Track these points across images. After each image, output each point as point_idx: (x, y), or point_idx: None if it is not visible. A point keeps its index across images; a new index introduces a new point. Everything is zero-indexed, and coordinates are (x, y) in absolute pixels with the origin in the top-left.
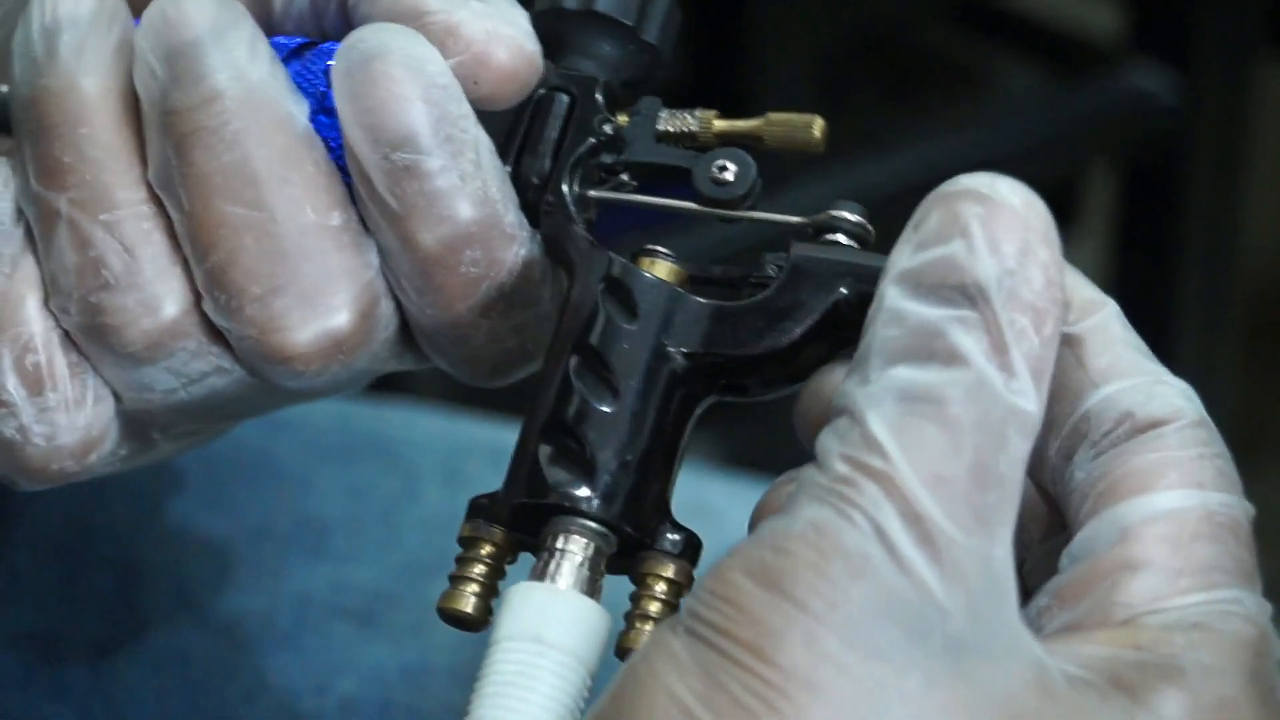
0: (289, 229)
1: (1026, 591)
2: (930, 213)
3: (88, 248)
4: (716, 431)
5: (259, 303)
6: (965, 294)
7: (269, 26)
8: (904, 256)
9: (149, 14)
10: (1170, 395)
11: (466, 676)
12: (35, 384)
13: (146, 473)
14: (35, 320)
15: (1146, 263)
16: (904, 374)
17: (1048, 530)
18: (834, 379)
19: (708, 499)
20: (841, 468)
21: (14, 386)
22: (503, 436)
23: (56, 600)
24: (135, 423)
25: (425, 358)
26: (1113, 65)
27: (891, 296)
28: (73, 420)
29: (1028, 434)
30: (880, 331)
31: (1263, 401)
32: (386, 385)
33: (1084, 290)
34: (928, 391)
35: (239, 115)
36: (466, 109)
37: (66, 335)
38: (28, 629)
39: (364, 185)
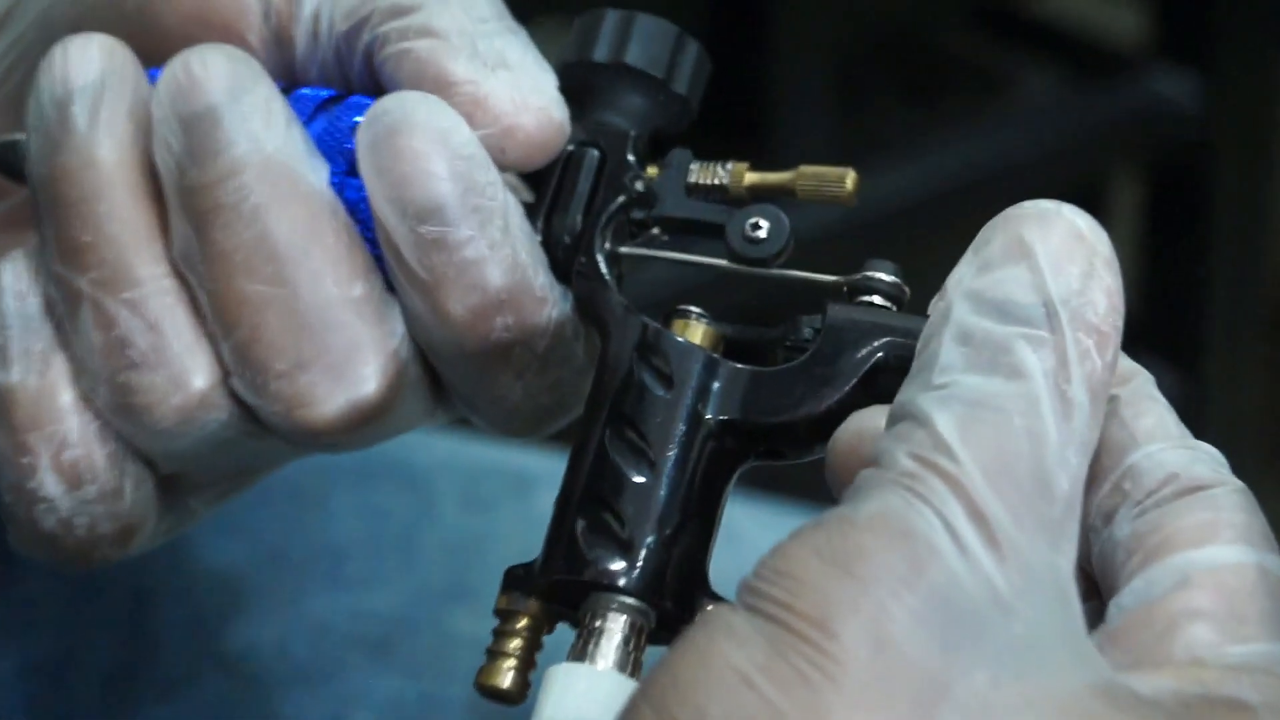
0: (311, 303)
1: None
2: (995, 234)
3: (112, 328)
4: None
5: (284, 379)
6: (1033, 313)
7: (291, 73)
8: (968, 276)
9: (164, 78)
10: (1211, 462)
11: (485, 707)
12: (74, 479)
13: None
14: (71, 415)
15: (1172, 268)
16: (971, 383)
17: (1080, 595)
18: (866, 419)
19: (726, 522)
20: (908, 463)
21: (53, 484)
22: (521, 459)
23: (68, 628)
24: (173, 495)
25: (460, 413)
26: (1135, 70)
27: (958, 311)
28: (113, 510)
29: (1086, 455)
30: (946, 345)
31: None
32: None
33: (1120, 359)
34: (994, 400)
35: (256, 189)
36: (493, 176)
37: (103, 424)
38: (39, 657)
39: (392, 255)
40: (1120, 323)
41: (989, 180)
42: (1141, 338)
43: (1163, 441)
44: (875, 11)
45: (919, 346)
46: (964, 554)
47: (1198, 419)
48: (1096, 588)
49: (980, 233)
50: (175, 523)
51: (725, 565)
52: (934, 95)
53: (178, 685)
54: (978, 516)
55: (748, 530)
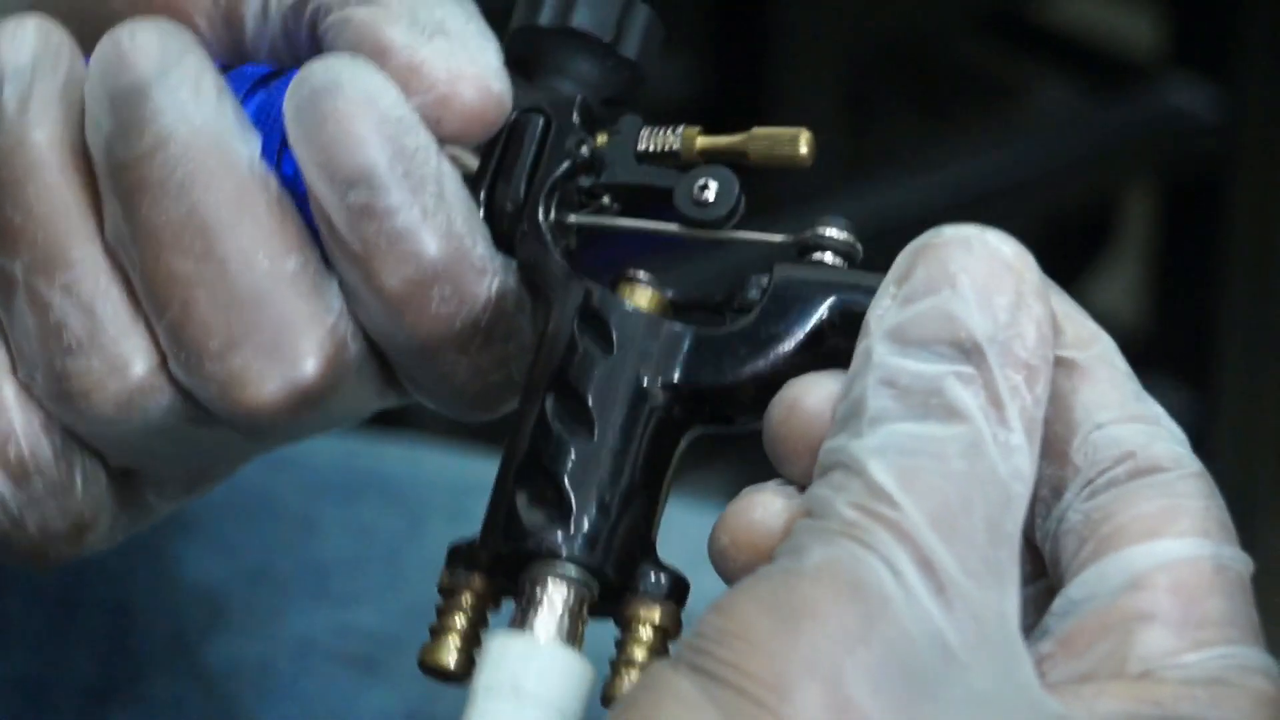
0: (242, 279)
1: None
2: (916, 264)
3: (47, 312)
4: (724, 474)
5: (218, 359)
6: (960, 349)
7: (241, 53)
8: (891, 310)
9: (96, 55)
10: (1171, 441)
11: None
12: (21, 473)
13: None
14: (14, 409)
15: (1188, 283)
16: (903, 429)
17: (1025, 578)
18: (799, 389)
19: None
20: (849, 513)
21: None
22: None
23: (48, 645)
24: (128, 489)
25: (410, 396)
26: (1152, 80)
27: (880, 353)
28: (63, 505)
29: (1027, 491)
30: (872, 389)
31: None
32: (390, 422)
33: (1082, 322)
34: (930, 446)
35: (184, 162)
36: (425, 140)
37: (48, 417)
38: (19, 675)
39: (325, 225)
40: (1050, 353)
41: (1001, 192)
42: (1153, 356)
43: (1119, 412)
44: (885, 20)
45: (843, 388)
46: (914, 604)
47: (1211, 440)
48: (1043, 564)
49: (899, 259)
50: (133, 519)
51: (716, 587)
52: (944, 106)
53: (159, 701)
54: (925, 565)
55: None
